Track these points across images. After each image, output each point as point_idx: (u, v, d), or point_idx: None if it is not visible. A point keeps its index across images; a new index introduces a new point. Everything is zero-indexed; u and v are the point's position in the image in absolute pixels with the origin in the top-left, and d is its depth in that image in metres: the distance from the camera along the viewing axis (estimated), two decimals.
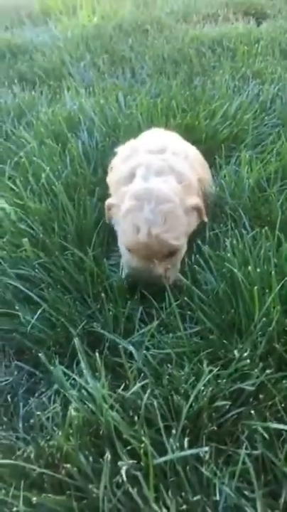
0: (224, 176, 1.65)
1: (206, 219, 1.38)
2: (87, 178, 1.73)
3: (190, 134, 1.94)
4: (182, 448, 0.84)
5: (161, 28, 3.76)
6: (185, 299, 1.17)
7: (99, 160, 1.87)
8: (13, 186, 1.65)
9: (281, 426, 0.87)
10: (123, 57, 3.15)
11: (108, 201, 1.38)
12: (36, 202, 1.55)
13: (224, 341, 1.05)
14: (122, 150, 1.59)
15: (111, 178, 1.54)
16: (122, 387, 0.96)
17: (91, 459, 0.83)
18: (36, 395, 1.09)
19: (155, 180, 1.28)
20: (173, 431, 0.87)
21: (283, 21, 3.76)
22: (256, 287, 1.02)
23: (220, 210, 1.54)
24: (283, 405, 0.90)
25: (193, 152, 1.58)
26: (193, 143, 1.89)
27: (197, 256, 1.28)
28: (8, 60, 3.32)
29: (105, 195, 1.55)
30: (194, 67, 2.84)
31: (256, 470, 0.84)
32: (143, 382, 0.95)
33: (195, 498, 0.78)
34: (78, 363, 1.05)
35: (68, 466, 0.81)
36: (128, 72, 2.88)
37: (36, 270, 1.29)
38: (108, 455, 0.80)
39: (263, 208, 1.50)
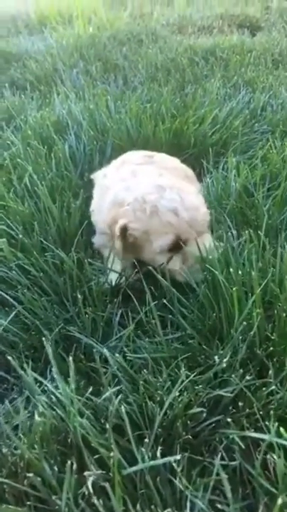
0: (211, 180, 1.63)
1: None
2: (72, 181, 1.70)
3: (178, 138, 1.92)
4: (154, 458, 0.79)
5: (156, 38, 3.78)
6: (165, 302, 1.12)
7: (85, 163, 1.84)
8: None
9: (259, 435, 0.81)
10: (116, 65, 3.15)
11: (120, 223, 1.21)
12: (19, 203, 1.51)
13: (204, 346, 1.01)
14: (96, 189, 1.52)
15: (96, 219, 1.45)
16: (90, 390, 0.92)
17: (56, 468, 0.78)
18: (7, 401, 1.04)
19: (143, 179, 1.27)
20: (146, 440, 0.82)
21: (277, 33, 3.80)
22: (235, 288, 0.98)
23: None
24: (261, 413, 0.85)
25: (172, 165, 1.51)
26: (181, 148, 1.88)
27: None
28: (0, 66, 3.31)
29: (91, 197, 1.51)
30: (186, 75, 2.83)
31: (233, 482, 0.79)
32: (115, 388, 0.90)
33: (165, 511, 0.73)
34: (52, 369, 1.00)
35: (31, 475, 0.76)
36: (120, 79, 2.87)
37: (13, 272, 1.25)
38: (73, 464, 0.74)
39: (250, 212, 1.47)
